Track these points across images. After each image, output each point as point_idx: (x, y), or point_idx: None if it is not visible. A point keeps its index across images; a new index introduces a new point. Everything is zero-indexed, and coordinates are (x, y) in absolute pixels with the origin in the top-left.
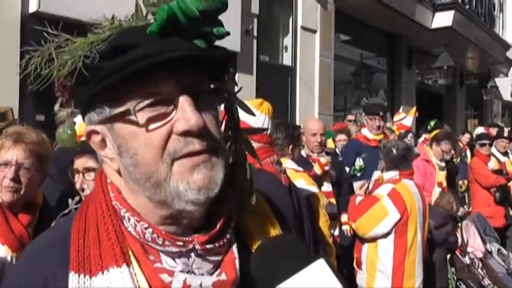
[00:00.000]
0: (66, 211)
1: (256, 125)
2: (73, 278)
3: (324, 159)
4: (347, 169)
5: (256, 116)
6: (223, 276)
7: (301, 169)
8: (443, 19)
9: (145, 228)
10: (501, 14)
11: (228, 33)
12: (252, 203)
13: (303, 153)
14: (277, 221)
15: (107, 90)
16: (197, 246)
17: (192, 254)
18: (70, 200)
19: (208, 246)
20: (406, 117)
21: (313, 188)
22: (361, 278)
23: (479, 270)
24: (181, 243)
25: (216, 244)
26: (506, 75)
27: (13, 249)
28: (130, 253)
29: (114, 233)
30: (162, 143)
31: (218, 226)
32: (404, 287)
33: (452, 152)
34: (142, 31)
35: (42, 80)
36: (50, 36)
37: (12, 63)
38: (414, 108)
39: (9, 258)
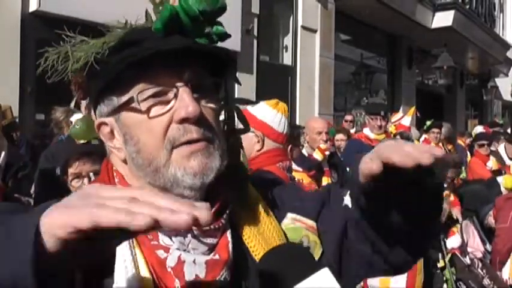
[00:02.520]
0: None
1: (273, 123)
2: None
3: (323, 145)
4: (347, 169)
5: (273, 115)
6: (217, 256)
7: (300, 169)
8: (443, 19)
9: None
10: (501, 14)
11: (228, 35)
12: (243, 195)
13: (305, 152)
14: (271, 211)
15: (115, 82)
16: (193, 227)
17: (189, 235)
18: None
19: (204, 227)
20: (404, 117)
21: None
22: (373, 279)
23: (480, 270)
24: None
25: (212, 226)
26: (507, 75)
27: None
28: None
29: None
30: (163, 131)
31: (214, 209)
32: (416, 284)
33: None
34: (148, 29)
35: (58, 75)
36: (64, 37)
37: (12, 62)
38: (413, 108)
39: None
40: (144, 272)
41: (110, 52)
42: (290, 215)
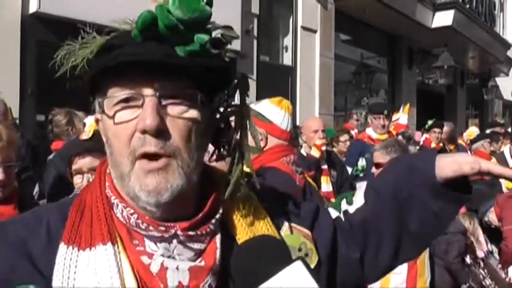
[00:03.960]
0: (70, 196)
1: (277, 121)
2: (62, 249)
3: (319, 141)
4: (349, 169)
5: (276, 112)
6: (202, 263)
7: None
8: (443, 18)
9: (131, 214)
10: (501, 14)
11: (219, 41)
12: (239, 198)
13: (303, 152)
14: (268, 216)
15: (98, 85)
16: (179, 232)
17: (174, 241)
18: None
19: (190, 232)
20: (401, 116)
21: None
22: None
23: (481, 270)
24: (163, 229)
25: (198, 232)
26: (507, 75)
27: None
28: (117, 236)
29: (104, 217)
30: (128, 138)
31: (200, 215)
32: (418, 286)
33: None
34: (129, 34)
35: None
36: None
37: (12, 63)
38: (408, 106)
39: None
40: (129, 277)
41: (94, 56)
42: (287, 224)
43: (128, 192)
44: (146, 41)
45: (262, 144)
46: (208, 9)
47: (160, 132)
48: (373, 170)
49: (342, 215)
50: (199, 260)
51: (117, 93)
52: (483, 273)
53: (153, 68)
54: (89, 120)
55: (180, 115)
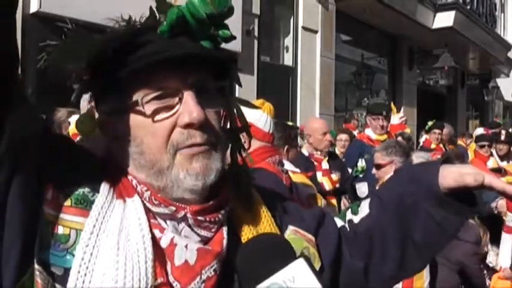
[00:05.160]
0: None
1: (259, 123)
2: (104, 190)
3: (335, 176)
4: (349, 170)
5: (259, 115)
6: (209, 247)
7: (298, 170)
8: (444, 19)
9: (146, 191)
10: (502, 15)
11: (233, 37)
12: (245, 197)
13: (305, 152)
14: (272, 217)
15: (118, 82)
16: (189, 215)
17: (183, 223)
18: None
19: (199, 217)
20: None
21: (311, 189)
22: None
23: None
24: (174, 208)
25: (207, 218)
26: (508, 76)
27: None
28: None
29: (127, 181)
30: (167, 134)
31: (211, 202)
32: (415, 286)
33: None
34: (153, 30)
35: (59, 71)
36: (65, 32)
37: None
38: (392, 105)
39: None
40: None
41: (114, 53)
42: (291, 227)
43: (166, 183)
44: (173, 37)
45: (245, 146)
46: (233, 5)
47: (203, 124)
48: (374, 171)
49: (346, 225)
50: (206, 245)
51: (150, 91)
52: (485, 275)
53: (184, 62)
54: (73, 120)
55: (212, 107)
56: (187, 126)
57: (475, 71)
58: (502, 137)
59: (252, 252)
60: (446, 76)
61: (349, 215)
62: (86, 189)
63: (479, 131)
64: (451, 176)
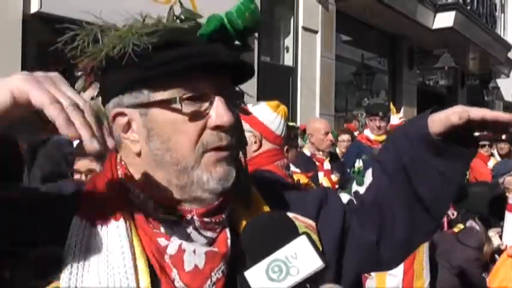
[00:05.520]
0: None
1: (272, 126)
2: (76, 222)
3: (335, 177)
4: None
5: (273, 117)
6: (216, 249)
7: (298, 170)
8: (444, 20)
9: (148, 199)
10: (502, 15)
11: (249, 47)
12: (245, 196)
13: (307, 152)
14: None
15: (152, 78)
16: (195, 217)
17: (190, 227)
18: None
19: (205, 219)
20: (391, 117)
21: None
22: (370, 281)
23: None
24: (180, 213)
25: (213, 219)
26: (508, 76)
27: None
28: (130, 216)
29: (117, 199)
30: (197, 134)
31: (216, 203)
32: (415, 287)
33: None
34: (192, 32)
35: (89, 56)
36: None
37: (14, 63)
38: (391, 105)
39: None
40: (141, 259)
41: (153, 47)
42: (290, 214)
43: (187, 182)
44: (210, 41)
45: (255, 146)
46: (261, 20)
47: (230, 128)
48: None
49: (353, 197)
50: (212, 246)
51: (186, 91)
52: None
53: (214, 67)
54: None
55: (235, 112)
56: (216, 128)
57: (475, 71)
58: (503, 136)
59: (254, 230)
60: (447, 76)
61: (355, 187)
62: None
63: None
64: (437, 120)
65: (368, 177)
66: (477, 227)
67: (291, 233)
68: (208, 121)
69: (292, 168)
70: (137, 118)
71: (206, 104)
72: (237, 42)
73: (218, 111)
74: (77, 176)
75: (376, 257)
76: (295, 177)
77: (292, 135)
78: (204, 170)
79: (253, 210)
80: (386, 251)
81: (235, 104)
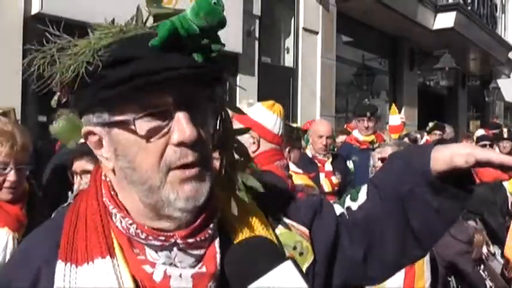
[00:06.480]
0: (65, 204)
1: (269, 125)
2: (60, 267)
3: (335, 179)
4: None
5: (268, 116)
6: (203, 269)
7: (300, 171)
8: (445, 20)
9: (130, 224)
10: (503, 15)
11: (223, 45)
12: (235, 202)
13: (309, 153)
14: (265, 216)
15: (106, 99)
16: (179, 241)
17: (175, 248)
18: (70, 193)
19: (189, 240)
20: (391, 117)
21: (313, 191)
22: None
23: (481, 272)
24: (163, 238)
25: (197, 238)
26: (508, 77)
27: (13, 229)
28: (116, 246)
29: (101, 227)
30: (159, 153)
31: (198, 221)
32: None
33: None
34: (143, 42)
35: (45, 82)
36: (52, 37)
37: (14, 64)
38: (393, 106)
39: (11, 238)
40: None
41: (103, 65)
42: (285, 221)
43: (156, 201)
44: (164, 50)
45: (254, 147)
46: (224, 19)
47: (195, 142)
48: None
49: (345, 212)
50: (199, 265)
51: (141, 109)
52: (484, 275)
53: (173, 79)
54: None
55: (202, 121)
56: (180, 144)
57: (476, 72)
58: (505, 135)
59: (240, 254)
60: (447, 77)
61: (347, 202)
62: None
63: (480, 132)
64: (441, 158)
65: (361, 196)
66: (473, 223)
67: (276, 258)
68: (170, 138)
69: (295, 169)
70: (105, 136)
71: (167, 120)
72: (204, 41)
73: (180, 127)
74: (75, 177)
75: (361, 273)
76: (298, 178)
77: (294, 136)
78: (170, 189)
79: (247, 215)
80: (371, 270)
81: (204, 110)
